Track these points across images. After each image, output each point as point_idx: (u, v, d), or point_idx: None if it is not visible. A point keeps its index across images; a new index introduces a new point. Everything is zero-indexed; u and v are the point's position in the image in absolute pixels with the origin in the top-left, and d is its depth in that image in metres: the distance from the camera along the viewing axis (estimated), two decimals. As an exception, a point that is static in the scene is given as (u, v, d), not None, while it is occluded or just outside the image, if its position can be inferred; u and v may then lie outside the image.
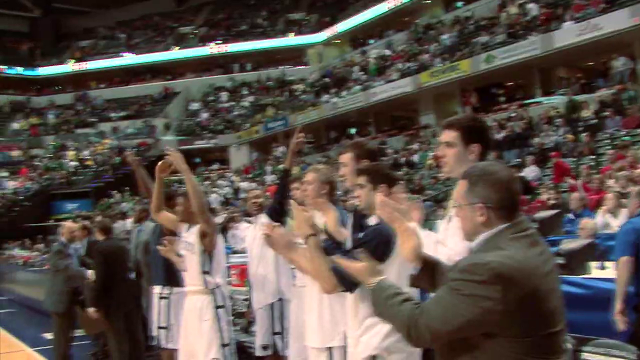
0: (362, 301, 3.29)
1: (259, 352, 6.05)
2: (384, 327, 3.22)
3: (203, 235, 5.24)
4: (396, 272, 3.12)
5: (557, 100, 20.81)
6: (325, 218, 3.40)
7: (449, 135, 3.09)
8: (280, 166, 6.01)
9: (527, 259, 2.19)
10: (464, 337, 2.19)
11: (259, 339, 5.94)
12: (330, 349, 3.89)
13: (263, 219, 5.87)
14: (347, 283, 3.20)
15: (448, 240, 2.96)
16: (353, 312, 3.39)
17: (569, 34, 21.18)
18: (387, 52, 33.00)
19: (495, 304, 2.09)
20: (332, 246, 3.46)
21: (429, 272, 2.51)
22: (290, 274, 5.92)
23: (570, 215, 9.94)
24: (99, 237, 7.42)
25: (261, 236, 5.79)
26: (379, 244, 3.15)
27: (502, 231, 2.26)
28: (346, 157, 3.89)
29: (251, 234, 6.21)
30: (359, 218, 3.63)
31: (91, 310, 7.00)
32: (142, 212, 9.09)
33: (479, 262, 2.15)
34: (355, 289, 3.27)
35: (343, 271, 3.14)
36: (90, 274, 7.73)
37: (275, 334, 5.86)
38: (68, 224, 8.74)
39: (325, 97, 33.26)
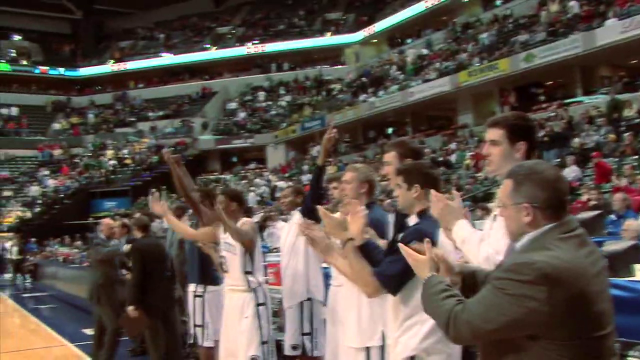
0: (403, 302, 3.25)
1: (288, 352, 6.03)
2: (423, 328, 3.19)
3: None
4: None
5: (599, 100, 20.42)
6: (350, 221, 3.34)
7: (494, 134, 3.03)
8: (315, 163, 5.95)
9: (575, 259, 2.13)
10: (508, 338, 2.14)
11: (288, 338, 5.91)
12: (368, 348, 3.84)
13: (296, 217, 5.85)
14: (391, 286, 3.19)
15: (490, 238, 2.89)
16: (394, 314, 3.35)
17: (612, 31, 20.77)
18: (425, 51, 32.79)
19: (541, 305, 2.04)
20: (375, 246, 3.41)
21: (469, 285, 2.47)
22: (320, 274, 5.90)
23: (613, 217, 9.74)
24: (137, 234, 7.45)
25: (293, 234, 5.81)
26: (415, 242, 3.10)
27: (549, 231, 2.21)
28: (390, 156, 3.84)
29: (284, 232, 6.19)
30: (401, 218, 3.57)
31: (130, 309, 7.00)
32: (177, 210, 9.12)
33: (525, 261, 2.10)
34: (398, 292, 3.23)
35: (386, 274, 3.16)
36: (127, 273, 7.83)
37: (304, 334, 5.81)
38: (107, 220, 8.85)
39: (362, 96, 33.18)
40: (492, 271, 2.26)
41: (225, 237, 5.45)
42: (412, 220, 3.40)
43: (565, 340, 2.08)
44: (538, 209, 2.22)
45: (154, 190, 6.24)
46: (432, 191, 3.05)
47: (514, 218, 2.27)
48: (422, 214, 3.34)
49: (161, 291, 7.15)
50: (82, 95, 48.88)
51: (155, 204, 6.17)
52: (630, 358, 4.33)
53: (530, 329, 2.09)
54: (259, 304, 5.26)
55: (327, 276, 5.65)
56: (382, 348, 3.76)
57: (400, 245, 2.67)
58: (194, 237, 6.25)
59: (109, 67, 48.89)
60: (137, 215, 9.21)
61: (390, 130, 33.70)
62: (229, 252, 5.37)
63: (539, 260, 2.08)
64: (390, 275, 3.18)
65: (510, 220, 2.30)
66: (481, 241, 2.88)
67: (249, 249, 5.29)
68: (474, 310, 2.14)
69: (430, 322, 3.14)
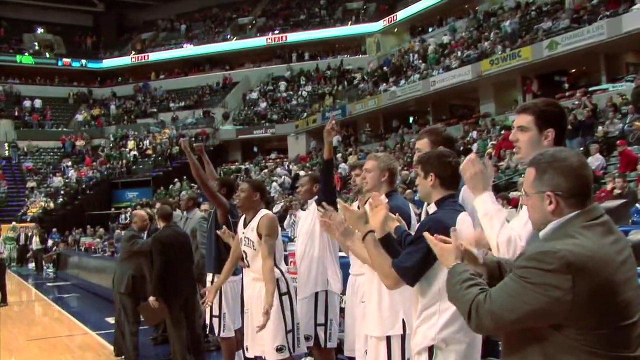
0: (421, 293, 3.25)
1: (302, 337, 6.03)
2: (441, 318, 3.18)
3: (260, 234, 5.27)
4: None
5: (624, 87, 20.11)
6: (372, 213, 3.31)
7: (523, 119, 3.00)
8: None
9: (600, 247, 2.10)
10: (531, 327, 2.12)
11: (301, 328, 5.90)
12: (389, 337, 3.82)
13: (313, 205, 5.82)
14: (408, 276, 3.18)
15: (514, 222, 2.86)
16: (413, 304, 3.34)
17: (638, 17, 20.39)
18: (446, 39, 32.52)
19: (565, 294, 2.01)
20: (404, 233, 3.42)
21: (495, 276, 2.42)
22: (337, 265, 5.85)
23: (639, 206, 9.60)
24: (160, 224, 7.45)
25: (310, 222, 5.79)
26: (433, 233, 3.06)
27: (573, 219, 2.18)
28: (422, 143, 3.85)
29: (301, 220, 6.16)
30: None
31: (151, 299, 7.01)
32: (189, 200, 9.17)
33: (549, 250, 2.07)
34: (416, 283, 3.22)
35: (404, 265, 3.15)
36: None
37: (318, 325, 5.77)
38: (140, 212, 8.85)
39: (383, 86, 33.03)
40: (515, 260, 2.23)
41: (245, 232, 5.41)
42: (431, 209, 3.40)
43: (590, 330, 2.06)
44: (561, 197, 2.19)
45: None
46: (472, 154, 3.08)
47: (538, 207, 2.25)
48: (441, 203, 3.34)
49: (183, 281, 7.16)
50: (104, 87, 49.25)
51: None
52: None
53: (553, 318, 2.06)
54: (282, 294, 5.23)
55: (346, 266, 5.63)
56: (403, 337, 3.74)
57: (426, 234, 2.65)
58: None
59: (131, 58, 49.14)
60: (158, 205, 9.23)
61: (411, 119, 33.54)
62: (248, 247, 5.34)
63: (562, 249, 2.05)
64: (407, 266, 3.16)
65: (534, 209, 2.28)
66: (505, 222, 2.85)
67: (271, 242, 5.25)
68: (496, 300, 2.12)
69: (448, 312, 3.15)
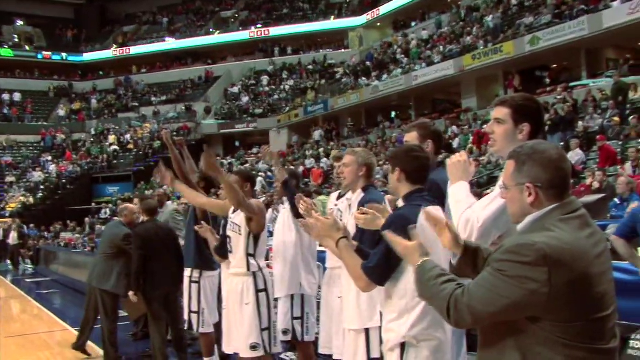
0: (391, 290, 3.27)
1: (280, 337, 6.02)
2: (412, 316, 3.20)
3: (250, 218, 5.19)
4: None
5: (604, 83, 20.25)
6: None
7: (500, 112, 3.05)
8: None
9: (577, 240, 2.11)
10: (508, 320, 2.13)
11: (279, 323, 5.89)
12: (367, 330, 3.86)
13: (286, 206, 5.87)
14: (375, 276, 3.20)
15: (476, 205, 2.92)
16: (385, 301, 3.36)
17: (618, 13, 20.54)
18: (425, 34, 32.57)
19: (541, 287, 2.02)
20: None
21: (470, 258, 2.42)
22: (314, 266, 5.84)
23: (617, 200, 9.67)
24: (144, 218, 7.39)
25: (286, 220, 5.80)
26: (396, 230, 3.05)
27: (551, 212, 2.19)
28: (411, 136, 3.91)
29: (279, 218, 6.15)
30: None
31: (130, 294, 6.99)
32: (162, 195, 9.16)
33: (526, 242, 2.08)
34: (385, 282, 3.24)
35: (370, 266, 3.18)
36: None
37: (294, 318, 5.79)
38: (131, 205, 8.75)
39: (364, 79, 33.03)
40: (492, 253, 2.22)
41: (232, 217, 5.37)
42: (400, 203, 3.45)
43: (565, 322, 2.07)
44: (541, 189, 2.20)
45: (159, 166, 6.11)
46: (463, 152, 3.17)
47: (517, 199, 2.25)
48: (408, 198, 3.38)
49: (163, 276, 7.10)
50: (85, 80, 48.84)
51: (160, 174, 6.06)
52: (632, 341, 4.27)
53: (530, 311, 2.07)
54: (259, 290, 5.17)
55: (322, 260, 5.64)
56: (381, 329, 3.74)
57: (386, 233, 2.65)
58: (203, 205, 6.14)
59: (112, 52, 48.78)
60: (137, 200, 9.13)
61: (393, 114, 33.59)
62: (234, 232, 5.29)
63: (539, 242, 2.06)
64: (373, 266, 3.18)
65: (513, 202, 2.28)
66: (470, 207, 2.93)
67: (256, 232, 5.21)
68: (474, 294, 2.12)
69: (418, 309, 3.18)
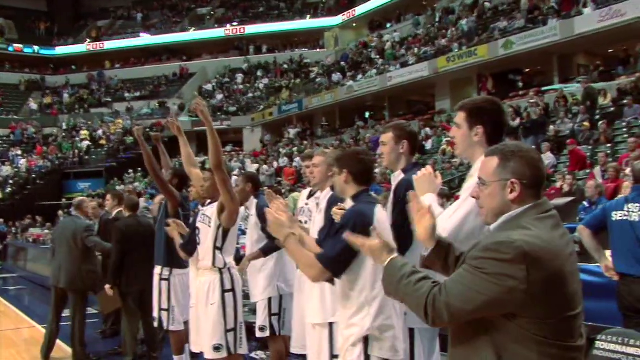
0: (349, 285, 3.32)
1: (257, 334, 6.03)
2: (373, 308, 3.28)
3: (221, 210, 5.11)
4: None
5: (575, 88, 20.51)
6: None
7: (458, 117, 3.15)
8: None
9: (552, 239, 2.16)
10: (482, 318, 2.15)
11: (258, 321, 5.94)
12: (331, 324, 3.88)
13: (253, 207, 6.04)
14: (334, 268, 3.24)
15: (439, 218, 2.91)
16: (342, 296, 3.40)
17: (590, 20, 20.84)
18: (397, 35, 32.70)
19: (519, 284, 2.05)
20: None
21: (442, 254, 2.43)
22: (289, 267, 5.86)
23: (586, 203, 9.80)
24: (126, 213, 7.35)
25: (254, 225, 5.84)
26: (356, 225, 3.15)
27: (527, 211, 2.23)
28: (387, 137, 3.93)
29: (251, 220, 6.16)
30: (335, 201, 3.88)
31: (107, 287, 6.97)
32: (132, 192, 9.09)
33: (505, 240, 2.10)
34: (341, 274, 3.29)
35: (328, 256, 3.23)
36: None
37: (272, 315, 5.85)
38: (87, 199, 8.67)
39: (341, 80, 33.08)
40: (468, 251, 2.23)
41: (204, 209, 5.33)
42: (348, 204, 3.55)
43: (540, 319, 2.10)
44: (524, 186, 2.23)
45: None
46: (428, 167, 3.26)
47: (498, 194, 2.27)
48: (356, 198, 3.50)
49: (139, 272, 7.07)
50: (57, 74, 48.20)
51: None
52: (598, 342, 4.33)
53: (508, 308, 2.09)
54: (225, 291, 5.08)
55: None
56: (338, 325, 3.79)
57: (347, 235, 2.66)
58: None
59: (86, 46, 48.21)
60: (109, 196, 9.05)
61: (367, 114, 33.69)
62: (204, 223, 5.23)
63: (518, 239, 2.08)
64: (332, 257, 3.23)
65: (493, 197, 2.29)
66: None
67: (226, 226, 5.16)
68: (452, 291, 2.12)
69: (377, 301, 3.28)
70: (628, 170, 11.25)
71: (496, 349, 2.13)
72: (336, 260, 3.22)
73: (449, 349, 2.34)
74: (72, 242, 7.82)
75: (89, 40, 48.44)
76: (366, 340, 3.28)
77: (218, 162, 4.94)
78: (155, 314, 6.50)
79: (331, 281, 3.38)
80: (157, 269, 6.48)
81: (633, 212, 4.87)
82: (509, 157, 2.26)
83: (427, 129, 24.30)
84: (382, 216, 3.40)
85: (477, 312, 2.11)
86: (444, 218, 2.94)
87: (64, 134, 40.35)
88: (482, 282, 2.08)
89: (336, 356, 3.75)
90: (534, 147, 16.04)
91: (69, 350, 7.95)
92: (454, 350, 2.30)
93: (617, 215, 4.98)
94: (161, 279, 6.43)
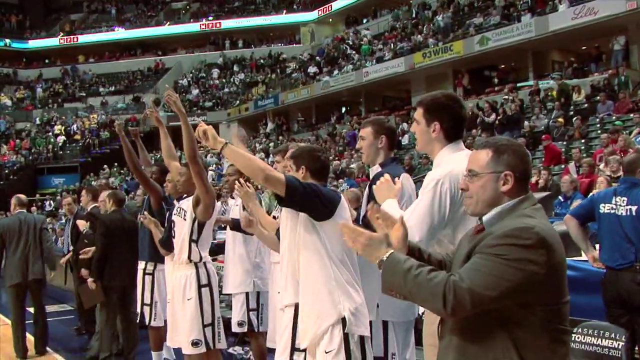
0: (320, 267, 3.42)
1: (234, 329, 6.01)
2: (347, 289, 3.40)
3: (197, 203, 5.10)
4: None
5: (549, 84, 20.73)
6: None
7: (417, 113, 3.21)
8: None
9: (553, 228, 2.25)
10: (496, 309, 2.15)
11: (235, 315, 5.89)
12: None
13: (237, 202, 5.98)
14: (296, 193, 3.30)
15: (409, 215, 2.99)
16: (316, 280, 3.46)
17: (564, 17, 21.07)
18: (368, 33, 32.74)
19: (540, 268, 2.10)
20: None
21: (414, 258, 2.39)
22: (268, 263, 5.83)
23: (561, 198, 9.91)
24: (111, 207, 7.30)
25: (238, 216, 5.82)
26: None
27: (522, 202, 2.30)
28: (366, 132, 3.96)
29: (232, 214, 6.13)
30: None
31: (90, 280, 6.96)
32: (104, 186, 9.08)
33: (525, 226, 2.15)
34: (294, 203, 3.38)
35: (302, 186, 3.32)
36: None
37: (250, 310, 5.83)
38: (67, 199, 8.71)
39: (316, 75, 33.06)
40: (479, 241, 2.21)
41: (180, 203, 5.31)
42: None
43: (550, 304, 2.18)
44: (517, 178, 2.29)
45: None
46: (386, 175, 3.24)
47: (490, 186, 2.31)
48: None
49: (122, 268, 7.04)
50: (30, 68, 47.47)
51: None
52: (575, 335, 4.38)
53: (528, 293, 2.12)
54: (201, 286, 5.08)
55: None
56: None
57: (343, 223, 2.53)
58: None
59: (59, 40, 47.56)
60: (84, 192, 9.01)
61: (343, 109, 33.70)
62: (179, 216, 5.22)
63: (536, 225, 2.14)
64: (304, 187, 3.30)
65: (485, 189, 2.32)
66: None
67: (201, 219, 5.14)
68: (473, 279, 2.11)
69: (344, 281, 3.40)
70: (602, 166, 11.43)
71: (512, 339, 2.16)
72: (302, 189, 3.27)
73: (450, 341, 2.30)
74: (38, 236, 8.00)
75: (62, 34, 47.80)
76: (344, 321, 3.35)
77: (193, 153, 4.93)
78: (138, 309, 6.47)
79: (284, 201, 3.38)
80: (142, 264, 6.51)
81: (621, 205, 4.86)
82: (502, 150, 2.31)
83: (404, 124, 24.38)
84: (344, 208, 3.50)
85: (500, 298, 2.10)
86: (408, 214, 2.95)
87: (37, 129, 39.82)
88: (504, 268, 2.09)
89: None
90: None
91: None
92: (462, 343, 2.26)
93: (604, 208, 4.98)
94: (145, 274, 6.45)
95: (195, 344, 5.01)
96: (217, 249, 7.70)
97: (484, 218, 2.34)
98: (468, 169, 2.39)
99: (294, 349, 3.70)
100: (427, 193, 3.00)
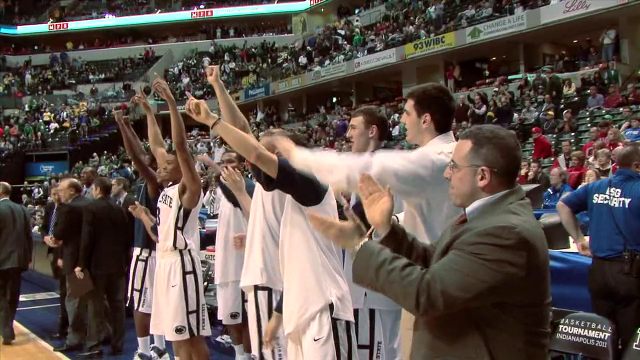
0: (307, 252, 3.38)
1: (226, 321, 5.98)
2: (333, 274, 3.38)
3: (183, 191, 5.11)
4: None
5: (539, 80, 20.76)
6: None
7: (407, 104, 3.21)
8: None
9: (538, 226, 2.13)
10: (472, 308, 2.04)
11: (228, 307, 5.86)
12: (256, 287, 3.88)
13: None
14: (283, 174, 3.26)
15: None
16: (302, 267, 3.41)
17: (555, 10, 21.09)
18: (358, 24, 32.67)
19: (519, 271, 1.99)
20: None
21: (394, 241, 2.29)
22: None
23: (550, 190, 9.95)
24: (98, 195, 7.31)
25: (229, 205, 5.79)
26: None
27: (507, 196, 2.17)
28: (357, 121, 3.94)
29: (223, 202, 6.10)
30: None
31: (77, 270, 6.94)
32: (90, 174, 9.09)
33: (507, 225, 2.02)
34: (282, 184, 3.33)
35: (292, 169, 3.21)
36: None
37: (245, 302, 5.75)
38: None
39: (308, 65, 32.98)
40: (460, 236, 2.10)
41: (165, 191, 5.32)
42: None
43: (529, 307, 2.06)
44: (496, 174, 2.16)
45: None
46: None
47: (468, 180, 2.21)
48: None
49: (108, 257, 7.04)
50: (19, 54, 47.10)
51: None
52: (562, 325, 4.41)
53: (505, 295, 2.02)
54: (186, 273, 5.09)
55: None
56: (270, 290, 3.83)
57: (312, 214, 2.47)
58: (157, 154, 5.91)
59: (48, 26, 47.18)
60: (61, 182, 9.04)
61: (334, 100, 33.65)
62: (165, 203, 5.23)
63: (519, 225, 2.02)
64: (292, 169, 3.21)
65: (463, 182, 2.23)
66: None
67: (187, 206, 5.15)
68: (447, 279, 2.00)
69: (330, 266, 3.38)
70: (591, 159, 11.48)
71: (485, 339, 2.05)
72: (294, 172, 3.20)
73: (423, 335, 2.22)
74: (25, 225, 8.28)
75: (51, 20, 47.42)
76: (331, 307, 3.34)
77: (181, 140, 4.98)
78: (128, 293, 6.50)
79: (274, 182, 3.35)
80: (136, 250, 6.54)
81: (614, 197, 4.87)
82: (482, 142, 2.19)
83: (395, 115, 24.39)
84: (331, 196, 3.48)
85: (475, 300, 2.00)
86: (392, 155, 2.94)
87: (26, 116, 39.56)
88: (481, 269, 1.98)
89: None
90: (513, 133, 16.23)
91: (24, 329, 8.31)
92: (434, 339, 2.17)
93: (598, 198, 4.98)
94: (138, 260, 6.48)
95: (178, 330, 5.03)
96: (207, 239, 7.68)
97: (467, 209, 2.23)
98: (452, 159, 2.30)
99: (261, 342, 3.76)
100: (419, 151, 3.01)
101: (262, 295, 3.83)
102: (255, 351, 3.87)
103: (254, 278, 3.85)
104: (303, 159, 2.99)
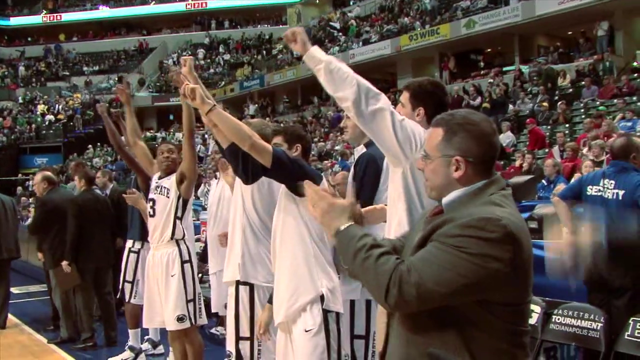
0: (300, 243, 3.37)
1: (221, 312, 5.98)
2: (324, 266, 3.37)
3: (181, 181, 5.12)
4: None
5: (535, 68, 20.78)
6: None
7: (402, 96, 3.26)
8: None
9: (522, 219, 1.97)
10: (451, 305, 1.87)
11: (222, 297, 5.84)
12: (237, 282, 3.89)
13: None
14: (278, 162, 3.25)
15: None
16: (294, 258, 3.41)
17: (550, 2, 21.05)
18: (351, 15, 32.60)
19: (504, 266, 1.81)
20: None
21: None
22: None
23: (544, 182, 9.97)
24: (82, 186, 7.28)
25: (220, 194, 5.79)
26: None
27: (487, 187, 1.99)
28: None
29: (212, 192, 6.10)
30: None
31: (64, 263, 6.91)
32: (77, 166, 9.08)
33: (492, 217, 1.84)
34: (274, 173, 3.34)
35: (288, 157, 3.29)
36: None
37: None
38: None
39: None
40: (438, 226, 1.92)
41: (160, 182, 5.28)
42: None
43: (512, 305, 1.91)
44: (471, 163, 1.98)
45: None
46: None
47: (441, 172, 2.02)
48: None
49: (96, 249, 7.01)
50: (12, 46, 46.86)
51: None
52: (555, 316, 4.42)
53: (486, 292, 1.85)
54: (184, 262, 5.11)
55: None
56: (252, 286, 3.83)
57: (307, 183, 2.24)
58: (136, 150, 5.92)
59: (42, 17, 46.96)
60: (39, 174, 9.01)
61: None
62: (161, 194, 5.19)
63: (504, 217, 1.84)
64: (288, 157, 3.28)
65: (436, 174, 2.04)
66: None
67: (185, 196, 5.16)
68: (424, 272, 1.81)
69: (322, 258, 3.38)
70: (585, 150, 11.49)
71: (465, 338, 1.88)
72: (289, 162, 3.25)
73: (398, 329, 2.03)
74: (14, 214, 8.55)
75: (45, 12, 47.19)
76: (322, 298, 3.35)
77: (191, 126, 5.08)
78: (120, 285, 6.51)
79: (268, 171, 3.35)
80: (129, 242, 6.54)
81: (608, 188, 4.83)
82: (454, 130, 2.00)
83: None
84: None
85: (452, 296, 1.82)
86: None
87: (20, 108, 39.41)
88: (462, 263, 1.80)
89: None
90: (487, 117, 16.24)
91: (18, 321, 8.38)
92: (410, 335, 1.98)
93: (592, 190, 4.94)
94: (130, 252, 6.48)
95: (180, 319, 5.04)
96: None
97: (443, 201, 2.04)
98: (423, 149, 2.12)
99: (239, 338, 3.76)
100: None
101: (244, 291, 3.84)
102: (230, 347, 3.85)
103: (234, 274, 3.86)
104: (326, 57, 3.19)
